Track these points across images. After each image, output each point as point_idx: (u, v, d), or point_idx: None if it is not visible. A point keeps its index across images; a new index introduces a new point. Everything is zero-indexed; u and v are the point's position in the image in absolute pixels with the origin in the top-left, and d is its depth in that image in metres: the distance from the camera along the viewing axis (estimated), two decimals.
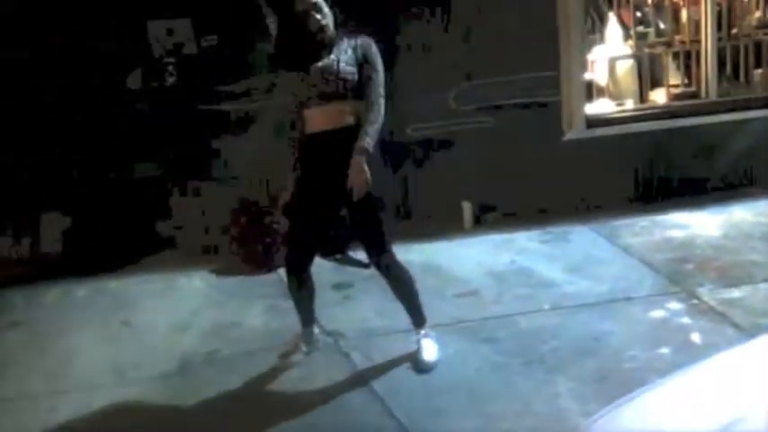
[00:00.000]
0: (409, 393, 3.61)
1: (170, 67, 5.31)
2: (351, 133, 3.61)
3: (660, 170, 5.99)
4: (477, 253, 5.28)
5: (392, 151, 5.64)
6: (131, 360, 4.15)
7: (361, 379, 3.78)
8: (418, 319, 3.92)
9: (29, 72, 5.20)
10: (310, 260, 3.89)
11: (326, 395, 3.68)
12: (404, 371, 3.83)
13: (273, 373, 3.93)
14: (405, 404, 3.50)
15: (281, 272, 5.10)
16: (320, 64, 3.64)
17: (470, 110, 5.71)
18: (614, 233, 5.43)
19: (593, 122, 6.01)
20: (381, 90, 3.68)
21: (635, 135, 5.98)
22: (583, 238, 5.42)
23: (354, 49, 3.69)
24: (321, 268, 5.21)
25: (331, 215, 3.88)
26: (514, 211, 5.84)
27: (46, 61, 5.19)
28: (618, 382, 3.49)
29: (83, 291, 5.13)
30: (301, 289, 3.92)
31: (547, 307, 4.40)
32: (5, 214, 5.36)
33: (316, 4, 3.66)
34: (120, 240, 5.36)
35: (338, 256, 5.39)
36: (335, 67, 3.63)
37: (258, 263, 5.15)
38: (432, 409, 3.46)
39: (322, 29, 3.65)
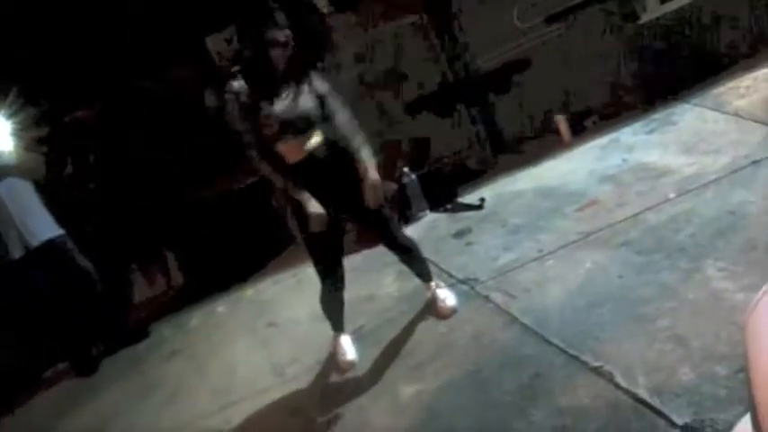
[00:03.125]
0: (559, 317, 3.58)
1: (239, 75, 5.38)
2: (336, 147, 3.66)
3: (748, 24, 5.67)
4: (585, 162, 5.17)
5: (471, 87, 5.63)
6: (286, 357, 4.29)
7: (508, 316, 3.78)
8: (427, 275, 4.11)
9: (107, 126, 5.41)
10: (340, 262, 3.86)
11: (479, 340, 3.70)
12: (547, 298, 3.80)
13: (420, 333, 3.98)
14: (558, 328, 3.48)
15: None
16: (294, 101, 3.55)
17: (537, 23, 5.55)
18: (719, 101, 5.19)
19: None
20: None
21: None
22: (689, 116, 5.20)
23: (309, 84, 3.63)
24: (437, 220, 5.28)
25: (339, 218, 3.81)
26: (611, 110, 5.68)
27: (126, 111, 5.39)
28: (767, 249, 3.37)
29: (222, 307, 5.34)
30: (334, 291, 3.90)
31: (672, 195, 4.25)
32: (133, 261, 5.63)
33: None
34: (243, 251, 5.54)
35: (449, 206, 5.40)
36: (309, 104, 3.58)
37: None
38: (586, 326, 3.42)
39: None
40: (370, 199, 3.67)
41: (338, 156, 3.67)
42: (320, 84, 3.67)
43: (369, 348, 4.01)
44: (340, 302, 3.96)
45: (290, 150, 3.61)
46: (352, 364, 3.95)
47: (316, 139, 3.60)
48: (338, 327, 4.04)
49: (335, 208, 3.69)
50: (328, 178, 3.65)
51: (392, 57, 5.53)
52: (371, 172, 3.65)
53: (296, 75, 3.60)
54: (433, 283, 4.12)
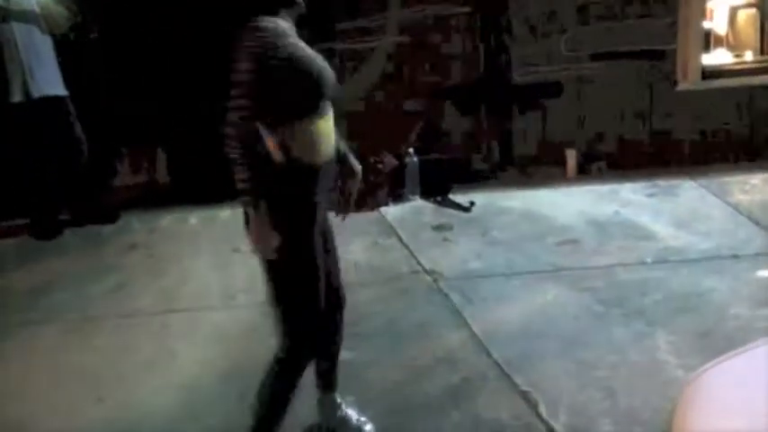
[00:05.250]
0: (507, 335, 3.67)
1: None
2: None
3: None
4: (580, 202, 5.26)
5: (500, 94, 5.68)
6: (241, 285, 4.34)
7: (460, 318, 3.87)
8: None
9: (150, 16, 5.40)
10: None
11: (425, 331, 3.78)
12: (501, 313, 3.89)
13: (372, 307, 4.03)
14: (502, 345, 3.57)
15: (383, 210, 5.26)
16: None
17: (582, 55, 5.60)
18: (723, 189, 5.30)
19: (709, 73, 5.82)
20: None
21: (752, 88, 5.77)
22: (690, 193, 5.31)
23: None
24: (423, 208, 5.36)
25: None
26: (620, 162, 5.78)
27: (170, 6, 5.37)
28: (719, 339, 3.47)
29: (195, 219, 5.40)
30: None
31: (650, 260, 4.36)
32: (125, 145, 5.66)
33: None
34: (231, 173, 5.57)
35: (439, 198, 5.47)
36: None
37: (361, 201, 5.27)
38: (528, 351, 3.51)
39: None
40: (352, 190, 2.85)
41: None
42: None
43: None
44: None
45: (326, 134, 2.53)
46: None
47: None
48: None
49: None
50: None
51: (431, 37, 5.56)
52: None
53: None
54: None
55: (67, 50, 5.16)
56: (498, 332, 3.71)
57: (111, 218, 5.39)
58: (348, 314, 3.87)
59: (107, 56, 5.43)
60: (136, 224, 5.37)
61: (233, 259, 4.70)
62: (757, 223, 4.75)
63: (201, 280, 4.50)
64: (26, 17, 4.97)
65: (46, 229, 5.22)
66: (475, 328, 3.74)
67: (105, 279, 4.56)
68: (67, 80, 5.13)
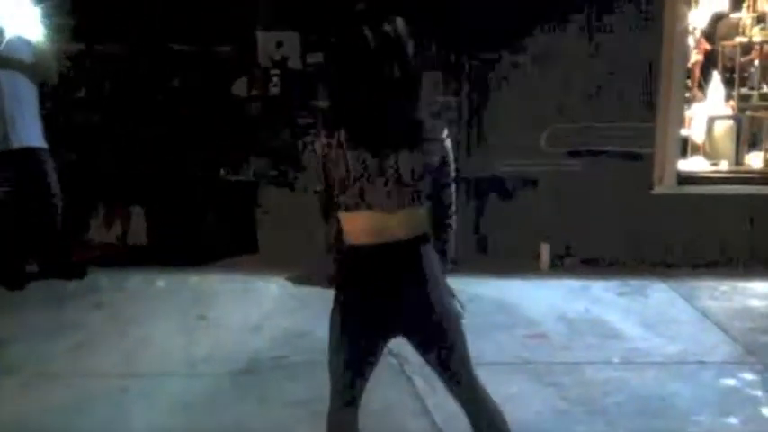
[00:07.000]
0: (467, 426, 3.60)
1: (275, 78, 5.51)
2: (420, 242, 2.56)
3: (748, 236, 5.87)
4: (552, 296, 5.28)
5: (477, 184, 5.76)
6: (203, 353, 4.29)
7: (421, 404, 3.81)
8: None
9: (131, 69, 5.49)
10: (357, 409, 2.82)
11: (384, 414, 3.70)
12: None
13: None
14: None
15: None
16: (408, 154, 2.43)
17: (561, 152, 5.72)
18: (693, 294, 5.35)
19: (684, 180, 5.95)
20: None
21: (726, 197, 5.89)
22: (660, 296, 5.35)
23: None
24: None
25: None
26: (593, 259, 5.83)
27: (151, 59, 5.49)
28: None
29: (164, 281, 5.36)
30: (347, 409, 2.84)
31: (616, 360, 4.35)
32: (100, 202, 5.66)
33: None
34: (205, 239, 5.57)
35: None
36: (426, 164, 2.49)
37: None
38: None
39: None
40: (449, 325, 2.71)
41: (418, 247, 2.55)
42: (443, 140, 2.53)
43: (280, 381, 4.02)
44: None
45: (367, 225, 2.48)
46: None
47: (414, 219, 2.52)
48: None
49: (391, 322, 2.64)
50: (395, 276, 2.52)
51: None
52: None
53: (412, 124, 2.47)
54: None
55: (52, 103, 5.20)
56: (459, 421, 3.61)
57: (78, 274, 5.33)
58: (309, 390, 3.86)
59: (90, 113, 5.48)
60: (103, 283, 5.32)
61: (197, 326, 4.66)
62: (725, 331, 4.77)
63: (164, 345, 4.42)
64: (15, 65, 5.00)
65: (11, 280, 5.15)
66: (436, 417, 3.68)
67: (67, 336, 4.48)
68: (49, 133, 5.15)
